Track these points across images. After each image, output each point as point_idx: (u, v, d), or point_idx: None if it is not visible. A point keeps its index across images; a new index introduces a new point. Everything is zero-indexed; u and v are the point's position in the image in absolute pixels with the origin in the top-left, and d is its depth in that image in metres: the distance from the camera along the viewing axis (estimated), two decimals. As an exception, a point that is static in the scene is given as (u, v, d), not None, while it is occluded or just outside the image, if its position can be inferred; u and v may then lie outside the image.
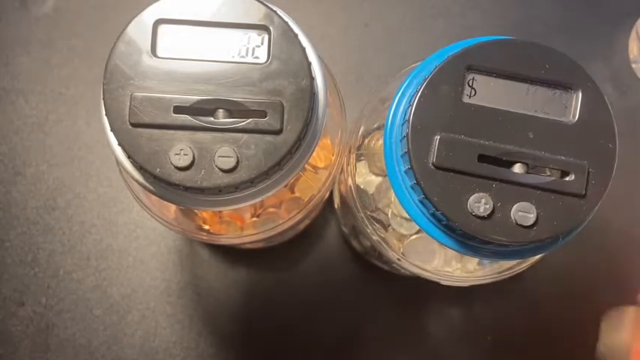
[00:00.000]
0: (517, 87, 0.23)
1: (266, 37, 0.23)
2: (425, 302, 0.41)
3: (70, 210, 0.41)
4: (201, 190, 0.22)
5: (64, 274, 0.40)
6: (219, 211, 0.30)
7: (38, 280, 0.40)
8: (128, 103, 0.22)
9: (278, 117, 0.22)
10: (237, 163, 0.22)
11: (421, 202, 0.23)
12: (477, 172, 0.22)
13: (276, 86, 0.22)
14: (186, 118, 0.22)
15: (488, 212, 0.22)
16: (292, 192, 0.32)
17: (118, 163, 0.24)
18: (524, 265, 0.30)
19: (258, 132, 0.22)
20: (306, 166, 0.25)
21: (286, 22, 0.23)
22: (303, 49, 0.23)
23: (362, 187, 0.32)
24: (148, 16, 0.23)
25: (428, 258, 0.31)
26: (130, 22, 0.23)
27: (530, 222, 0.22)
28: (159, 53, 0.22)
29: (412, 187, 0.24)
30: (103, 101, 0.22)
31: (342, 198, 0.37)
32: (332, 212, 0.42)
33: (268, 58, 0.23)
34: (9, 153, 0.42)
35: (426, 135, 0.23)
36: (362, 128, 0.31)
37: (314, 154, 0.24)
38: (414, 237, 0.31)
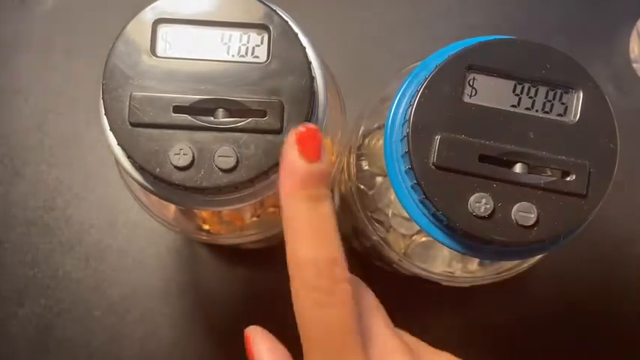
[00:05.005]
0: (517, 87, 0.23)
1: (266, 36, 0.23)
2: (425, 302, 0.41)
3: (70, 210, 0.41)
4: (201, 190, 0.22)
5: (64, 274, 0.40)
6: (219, 211, 0.30)
7: (37, 281, 0.40)
8: (127, 103, 0.22)
9: (278, 116, 0.22)
10: (237, 162, 0.22)
11: (422, 202, 0.23)
12: (478, 172, 0.22)
13: (276, 86, 0.22)
14: (185, 118, 0.22)
15: (489, 212, 0.22)
16: (292, 192, 0.32)
17: (118, 163, 0.24)
18: (524, 265, 0.30)
19: (258, 132, 0.22)
20: (306, 166, 0.24)
21: (286, 22, 0.23)
22: (303, 49, 0.23)
23: (362, 187, 0.31)
24: (148, 15, 0.23)
25: (432, 260, 0.31)
26: (129, 21, 0.23)
27: (531, 222, 0.22)
28: (158, 53, 0.22)
29: (412, 187, 0.23)
30: (102, 101, 0.22)
31: (342, 198, 0.37)
32: (332, 212, 0.42)
33: (268, 57, 0.23)
34: (9, 153, 0.41)
35: (427, 135, 0.23)
36: (362, 128, 0.31)
37: (314, 154, 0.24)
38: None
